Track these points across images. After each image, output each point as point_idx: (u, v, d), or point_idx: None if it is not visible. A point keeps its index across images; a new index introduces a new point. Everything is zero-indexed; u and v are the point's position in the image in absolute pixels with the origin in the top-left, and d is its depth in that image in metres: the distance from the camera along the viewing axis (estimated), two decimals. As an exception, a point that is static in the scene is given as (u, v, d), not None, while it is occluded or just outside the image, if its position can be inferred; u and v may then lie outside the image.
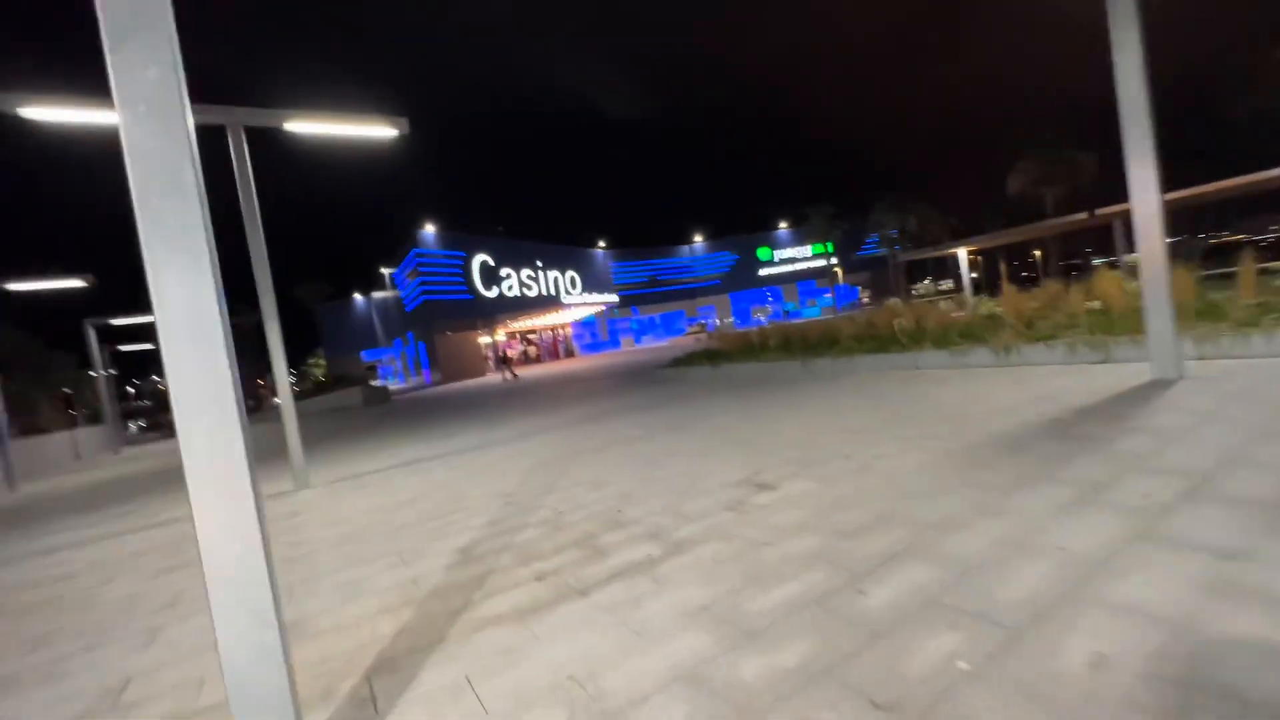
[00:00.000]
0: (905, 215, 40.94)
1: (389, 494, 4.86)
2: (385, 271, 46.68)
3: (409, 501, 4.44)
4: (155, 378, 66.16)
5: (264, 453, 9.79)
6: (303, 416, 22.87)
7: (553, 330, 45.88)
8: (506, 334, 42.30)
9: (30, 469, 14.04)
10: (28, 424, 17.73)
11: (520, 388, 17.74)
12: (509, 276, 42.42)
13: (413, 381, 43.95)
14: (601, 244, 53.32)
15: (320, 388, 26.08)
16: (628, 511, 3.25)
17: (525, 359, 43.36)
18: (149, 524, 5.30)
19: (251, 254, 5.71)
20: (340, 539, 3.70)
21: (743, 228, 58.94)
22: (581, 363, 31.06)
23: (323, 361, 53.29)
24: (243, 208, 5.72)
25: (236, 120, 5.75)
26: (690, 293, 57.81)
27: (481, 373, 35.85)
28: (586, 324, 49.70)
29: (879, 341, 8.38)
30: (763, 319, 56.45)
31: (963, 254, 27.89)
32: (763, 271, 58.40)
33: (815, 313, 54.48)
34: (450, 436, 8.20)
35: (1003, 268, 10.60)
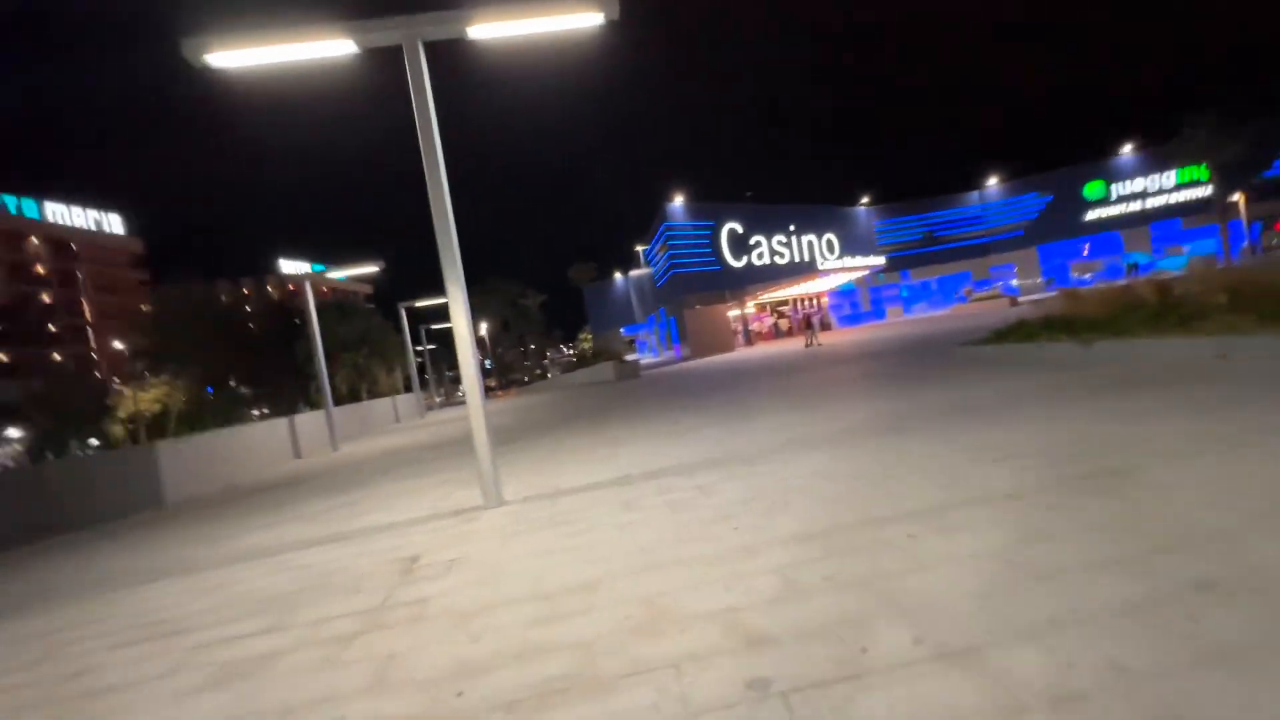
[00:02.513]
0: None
1: (572, 549, 3.05)
2: (639, 249, 48.51)
3: (585, 591, 2.51)
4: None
5: (511, 431, 9.40)
6: (563, 389, 24.29)
7: (806, 300, 42.01)
8: (755, 306, 40.04)
9: (361, 429, 17.08)
10: (372, 390, 22.39)
11: (777, 365, 15.34)
12: (759, 244, 39.84)
13: (664, 355, 45.06)
14: (864, 200, 46.75)
15: (580, 361, 27.69)
16: None
17: (775, 333, 40.64)
18: (337, 534, 4.51)
19: (430, 196, 4.46)
20: (452, 674, 1.90)
21: (1058, 160, 45.62)
22: (844, 335, 27.01)
23: (589, 336, 58.72)
24: (420, 140, 4.50)
25: (414, 34, 4.52)
26: (979, 249, 47.15)
27: (731, 347, 34.38)
28: (845, 293, 44.35)
29: None
30: (1088, 277, 43.08)
31: None
32: (1090, 215, 44.32)
33: (1179, 264, 39.30)
34: (683, 434, 6.31)
35: None
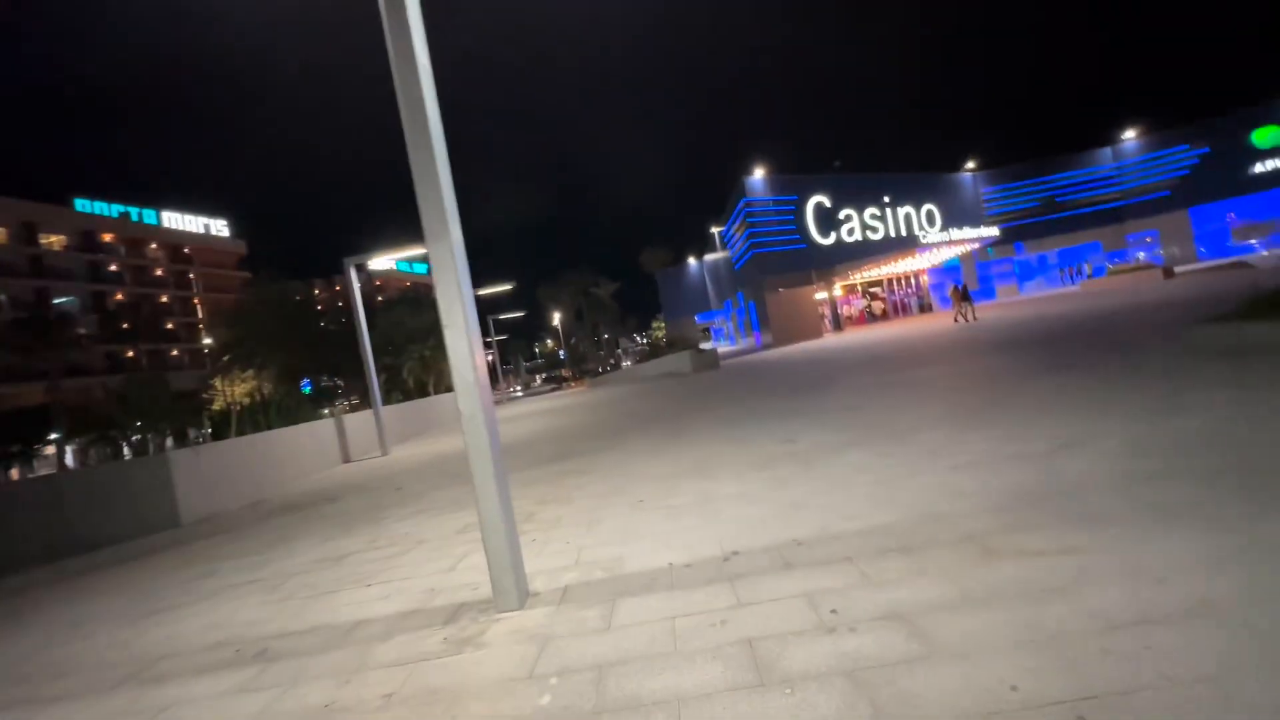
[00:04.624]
0: None
1: None
2: (715, 231, 45.83)
3: None
4: (549, 341, 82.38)
5: (572, 439, 7.65)
6: (636, 382, 22.28)
7: (905, 279, 37.90)
8: (844, 287, 36.50)
9: (420, 428, 16.08)
10: (438, 386, 21.70)
11: (888, 354, 12.74)
12: (849, 219, 36.18)
13: (742, 344, 42.35)
14: (970, 165, 41.53)
15: (655, 351, 25.83)
16: None
17: (868, 317, 36.97)
18: (276, 638, 2.83)
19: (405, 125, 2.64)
20: None
21: (1220, 103, 38.37)
22: (948, 319, 23.27)
23: (663, 325, 56.83)
24: (392, 54, 2.67)
25: None
26: (1111, 215, 40.68)
27: (818, 333, 31.32)
28: (947, 270, 39.66)
29: None
30: (1256, 243, 36.06)
31: None
32: (1260, 167, 37.00)
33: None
34: (807, 460, 4.23)
35: None
